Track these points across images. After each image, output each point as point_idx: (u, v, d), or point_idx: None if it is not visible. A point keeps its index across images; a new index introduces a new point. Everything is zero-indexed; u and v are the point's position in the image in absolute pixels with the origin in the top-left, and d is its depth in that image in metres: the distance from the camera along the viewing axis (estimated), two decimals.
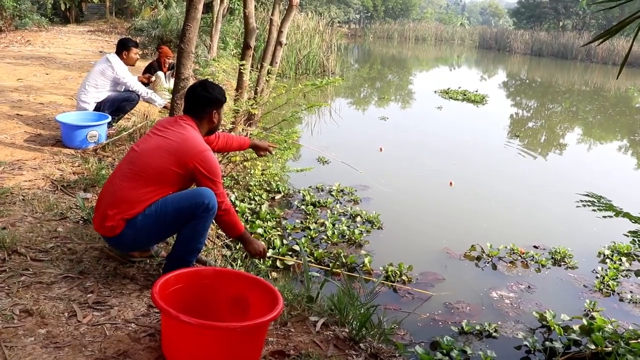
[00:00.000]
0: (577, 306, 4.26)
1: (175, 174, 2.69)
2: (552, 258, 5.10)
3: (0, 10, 14.53)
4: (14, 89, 7.19)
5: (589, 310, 4.13)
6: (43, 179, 4.16)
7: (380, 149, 8.66)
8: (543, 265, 4.95)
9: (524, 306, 4.21)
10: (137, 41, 6.91)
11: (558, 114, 15.67)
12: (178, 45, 4.24)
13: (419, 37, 51.85)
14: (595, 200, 2.96)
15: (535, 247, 5.34)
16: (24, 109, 6.19)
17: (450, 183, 7.11)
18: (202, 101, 2.91)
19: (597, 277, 4.79)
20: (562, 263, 5.05)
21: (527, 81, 24.92)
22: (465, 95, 15.53)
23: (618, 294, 4.55)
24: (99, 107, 5.47)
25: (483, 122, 12.73)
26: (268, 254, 4.01)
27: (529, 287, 4.54)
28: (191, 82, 3.88)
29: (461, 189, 7.09)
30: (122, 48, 5.62)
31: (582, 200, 3.02)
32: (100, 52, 12.34)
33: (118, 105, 5.59)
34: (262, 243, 3.12)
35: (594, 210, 3.01)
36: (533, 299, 4.34)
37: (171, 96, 4.44)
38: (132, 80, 5.65)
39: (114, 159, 4.90)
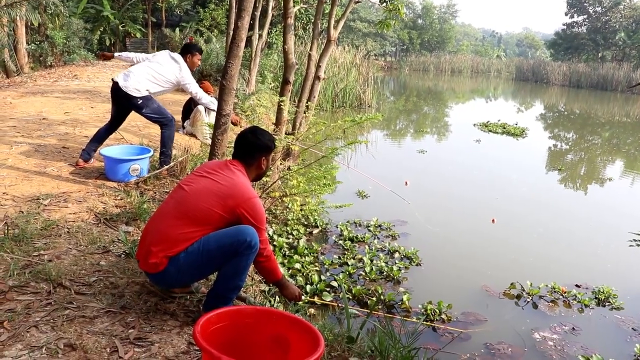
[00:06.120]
0: (626, 350, 4.10)
1: (220, 217, 2.73)
2: (596, 298, 4.93)
3: (52, 47, 15.22)
4: (61, 122, 7.44)
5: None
6: (87, 211, 4.26)
7: (406, 183, 8.51)
8: (586, 305, 4.79)
9: (568, 349, 4.06)
10: None
11: (599, 146, 15.34)
12: (220, 82, 4.31)
13: (455, 70, 52.00)
14: None
15: (577, 285, 5.17)
16: (70, 142, 6.38)
17: (493, 220, 6.97)
18: (251, 147, 2.98)
19: None
20: (607, 303, 4.88)
21: (566, 113, 24.54)
22: (504, 128, 15.39)
23: None
24: (144, 103, 5.23)
25: (524, 156, 12.56)
26: (303, 298, 3.98)
27: (573, 328, 4.38)
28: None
29: (502, 223, 6.96)
30: (187, 52, 5.54)
31: (635, 240, 2.92)
32: None
33: (157, 119, 5.40)
34: (298, 289, 3.16)
35: None
36: (578, 341, 4.19)
37: (212, 131, 4.51)
38: (194, 83, 5.53)
39: (155, 193, 4.99)
